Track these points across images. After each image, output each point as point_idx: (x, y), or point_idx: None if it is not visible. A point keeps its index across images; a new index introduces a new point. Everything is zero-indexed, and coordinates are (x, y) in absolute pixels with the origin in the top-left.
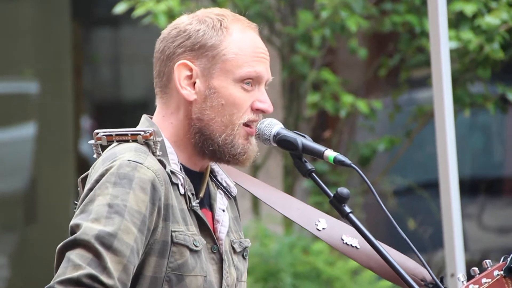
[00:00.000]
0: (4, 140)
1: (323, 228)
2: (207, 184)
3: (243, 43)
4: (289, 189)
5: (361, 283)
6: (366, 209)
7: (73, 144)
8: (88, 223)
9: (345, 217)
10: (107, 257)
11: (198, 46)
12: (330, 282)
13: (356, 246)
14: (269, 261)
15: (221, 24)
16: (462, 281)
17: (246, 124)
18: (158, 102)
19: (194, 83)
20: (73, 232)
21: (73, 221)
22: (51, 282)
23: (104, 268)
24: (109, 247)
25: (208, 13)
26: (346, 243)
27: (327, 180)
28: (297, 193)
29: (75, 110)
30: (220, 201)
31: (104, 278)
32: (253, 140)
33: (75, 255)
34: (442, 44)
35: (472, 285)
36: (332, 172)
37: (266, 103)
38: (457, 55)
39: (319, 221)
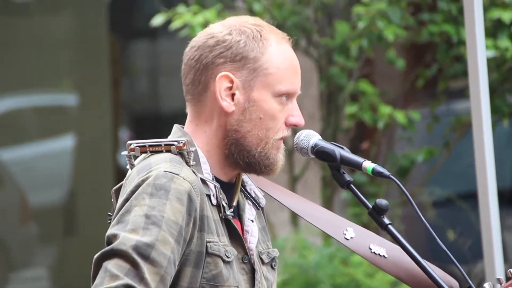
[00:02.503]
0: (43, 153)
1: (351, 237)
2: None
3: (282, 57)
4: (328, 201)
5: None
6: (405, 221)
7: (111, 156)
8: (126, 233)
9: (384, 228)
10: (145, 267)
11: (240, 58)
12: None
13: (384, 255)
14: (308, 272)
15: (261, 35)
16: None
17: (281, 139)
18: (190, 110)
19: (233, 94)
20: (109, 242)
21: (110, 231)
22: None
23: (142, 279)
24: (146, 258)
25: (244, 23)
26: (374, 252)
27: (365, 191)
28: (335, 205)
29: (114, 122)
30: (249, 212)
31: None
32: (282, 147)
33: (112, 265)
34: (479, 53)
35: None
36: (371, 183)
37: (297, 117)
38: (494, 64)
39: (347, 230)
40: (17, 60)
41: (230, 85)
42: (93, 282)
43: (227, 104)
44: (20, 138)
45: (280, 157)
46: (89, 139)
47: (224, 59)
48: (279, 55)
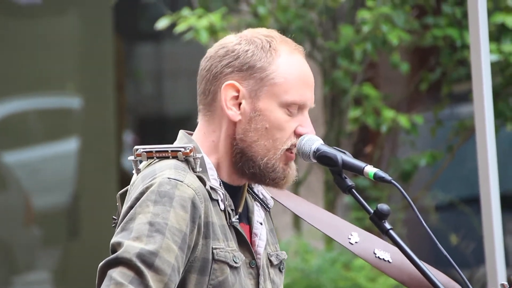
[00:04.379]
0: (47, 155)
1: (356, 242)
2: (245, 197)
3: (291, 68)
4: (330, 205)
5: None
6: (408, 225)
7: (115, 159)
8: (130, 241)
9: (385, 233)
10: (149, 275)
11: (247, 67)
12: None
13: (388, 260)
14: (310, 277)
15: (270, 46)
16: None
17: (288, 149)
18: (200, 119)
19: (240, 103)
20: (114, 250)
21: (114, 239)
22: None
23: (146, 287)
24: (150, 266)
25: (257, 34)
26: (378, 257)
27: (368, 195)
28: (338, 209)
29: (118, 125)
30: (258, 214)
31: None
32: (292, 164)
33: (117, 273)
34: (483, 57)
35: None
36: (374, 187)
37: (308, 128)
38: (498, 68)
39: (351, 235)
40: (21, 63)
41: (236, 94)
42: None
43: (232, 113)
44: (24, 141)
45: (289, 173)
46: (93, 142)
47: (232, 69)
48: (288, 65)
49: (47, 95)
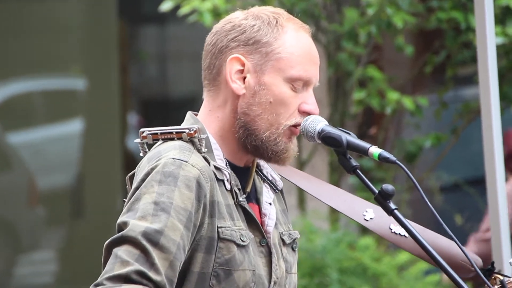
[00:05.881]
0: (52, 136)
1: (371, 218)
2: (253, 179)
3: (297, 44)
4: (335, 185)
5: (407, 279)
6: (413, 206)
7: (119, 141)
8: (135, 220)
9: (390, 213)
10: (154, 253)
11: (253, 42)
12: (376, 278)
13: (404, 235)
14: (315, 257)
15: (276, 22)
16: None
17: (294, 125)
18: (205, 95)
19: (245, 77)
20: (120, 230)
21: (120, 219)
22: (99, 279)
23: (152, 265)
24: (156, 244)
25: (264, 10)
26: (394, 232)
27: (373, 176)
28: (343, 189)
29: (122, 106)
30: (267, 195)
31: (152, 275)
32: (294, 139)
33: (122, 252)
34: (488, 40)
35: None
36: (379, 168)
37: (312, 105)
38: (503, 51)
39: (366, 211)
40: (26, 45)
41: (241, 67)
42: (103, 269)
43: (237, 86)
44: (29, 122)
45: (290, 147)
46: (97, 123)
47: (238, 43)
48: (294, 41)
49: (52, 76)
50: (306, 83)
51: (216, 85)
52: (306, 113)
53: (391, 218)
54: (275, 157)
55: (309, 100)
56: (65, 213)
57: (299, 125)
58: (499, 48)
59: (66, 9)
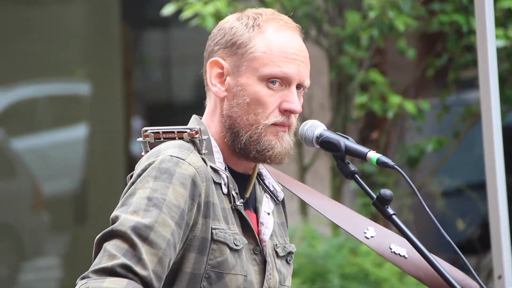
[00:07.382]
0: (56, 142)
1: (372, 236)
2: (254, 187)
3: (274, 42)
4: (337, 190)
5: (409, 285)
6: (415, 211)
7: (124, 145)
8: (127, 215)
9: (388, 218)
10: (143, 248)
11: (231, 44)
12: (378, 284)
13: (404, 256)
14: (317, 262)
15: (254, 22)
16: None
17: (275, 124)
18: (206, 100)
19: (225, 80)
20: (112, 224)
21: (113, 213)
22: (87, 272)
23: (139, 259)
24: (145, 239)
25: (249, 12)
26: (394, 252)
27: (375, 181)
28: (345, 194)
29: (126, 111)
30: (266, 205)
31: (138, 269)
32: (286, 136)
33: (111, 246)
34: (489, 43)
35: None
36: (380, 173)
37: (293, 103)
38: (505, 54)
39: (367, 229)
40: (30, 50)
41: (220, 70)
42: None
43: (216, 89)
44: (33, 127)
45: (276, 144)
46: (101, 128)
47: (219, 46)
48: (269, 40)
49: (56, 81)
50: (285, 81)
51: (208, 90)
52: (287, 112)
53: (392, 238)
54: (260, 156)
55: (289, 98)
56: (69, 218)
57: (282, 123)
58: (501, 51)
59: (70, 14)
